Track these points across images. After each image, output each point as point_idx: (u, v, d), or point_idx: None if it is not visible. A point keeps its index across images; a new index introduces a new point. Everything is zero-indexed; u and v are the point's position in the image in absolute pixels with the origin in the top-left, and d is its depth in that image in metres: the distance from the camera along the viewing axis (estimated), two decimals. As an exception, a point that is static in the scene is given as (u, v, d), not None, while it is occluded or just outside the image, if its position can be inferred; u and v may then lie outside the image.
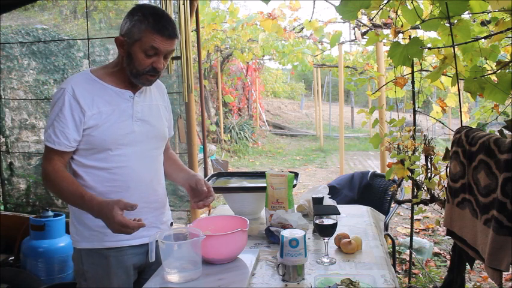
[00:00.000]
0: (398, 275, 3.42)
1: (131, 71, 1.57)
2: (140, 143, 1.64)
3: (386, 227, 2.80)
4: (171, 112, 1.88)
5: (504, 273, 1.42)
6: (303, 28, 5.26)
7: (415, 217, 4.30)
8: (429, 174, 2.39)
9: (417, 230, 4.57)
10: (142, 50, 1.53)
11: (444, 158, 1.93)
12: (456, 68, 1.82)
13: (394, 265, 2.97)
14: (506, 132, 1.52)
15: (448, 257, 3.82)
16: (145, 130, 1.65)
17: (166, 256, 1.47)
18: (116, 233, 1.44)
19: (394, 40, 2.06)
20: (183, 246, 1.50)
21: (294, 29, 5.31)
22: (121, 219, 1.40)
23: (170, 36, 1.54)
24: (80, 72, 1.66)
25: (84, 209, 1.51)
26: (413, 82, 2.78)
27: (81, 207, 1.52)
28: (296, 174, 2.12)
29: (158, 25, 1.51)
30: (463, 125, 1.77)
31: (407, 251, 3.53)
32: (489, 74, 1.70)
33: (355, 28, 4.04)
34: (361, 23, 3.69)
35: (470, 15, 2.01)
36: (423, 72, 2.83)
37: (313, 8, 4.72)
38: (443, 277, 3.38)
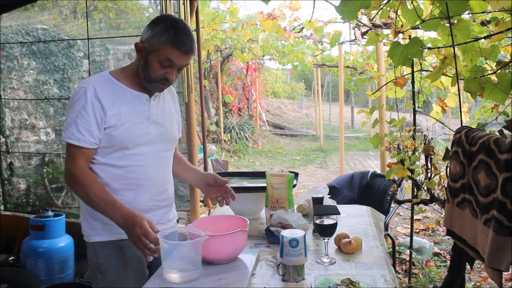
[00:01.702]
0: (398, 275, 3.42)
1: (145, 76, 1.62)
2: (154, 144, 1.70)
3: (386, 227, 2.80)
4: (180, 114, 1.93)
5: (504, 273, 1.42)
6: (303, 28, 5.26)
7: (415, 217, 4.30)
8: (429, 174, 2.39)
9: (417, 230, 4.57)
10: (158, 61, 1.57)
11: (444, 158, 1.93)
12: (456, 68, 1.82)
13: (394, 265, 2.97)
14: (506, 132, 1.51)
15: (448, 257, 3.82)
16: (159, 132, 1.71)
17: (167, 256, 1.47)
18: (134, 243, 1.46)
19: (394, 40, 2.06)
20: (183, 247, 1.50)
21: (294, 29, 5.31)
22: (147, 227, 1.43)
23: (187, 52, 1.59)
24: (100, 74, 1.71)
25: (110, 214, 1.53)
26: (413, 82, 2.78)
27: (106, 212, 1.54)
28: (296, 174, 2.12)
29: (177, 40, 1.56)
30: (463, 125, 1.77)
31: (407, 251, 3.53)
32: (489, 74, 1.70)
33: (355, 28, 4.04)
34: (361, 23, 3.69)
35: (470, 15, 2.01)
36: (423, 72, 2.83)
37: (313, 8, 4.72)
38: (443, 277, 3.38)
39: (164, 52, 1.56)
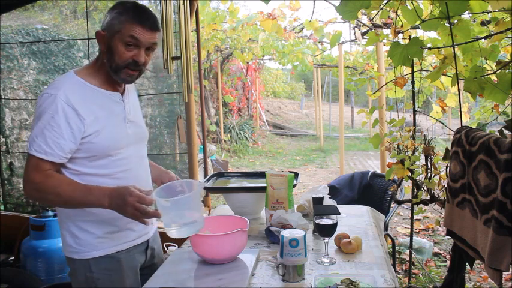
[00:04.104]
0: (398, 275, 3.42)
1: (111, 65, 1.52)
2: (133, 145, 1.64)
3: (386, 227, 2.80)
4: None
5: (504, 273, 1.42)
6: (303, 28, 5.27)
7: (415, 217, 4.30)
8: (429, 174, 2.39)
9: (417, 230, 4.57)
10: (123, 42, 1.49)
11: (444, 158, 1.92)
12: (456, 68, 1.82)
13: (394, 265, 2.97)
14: (506, 132, 1.51)
15: (448, 257, 3.82)
16: (136, 131, 1.66)
17: (167, 214, 1.43)
18: (130, 214, 1.38)
19: (394, 40, 2.06)
20: (184, 201, 1.46)
21: (294, 29, 5.32)
22: (138, 192, 1.37)
23: (151, 28, 1.51)
24: (66, 75, 1.56)
25: (92, 203, 1.44)
26: (413, 82, 2.78)
27: (86, 201, 1.44)
28: (296, 174, 2.12)
29: (139, 16, 1.49)
30: (463, 125, 1.77)
31: (407, 251, 3.53)
32: (489, 74, 1.70)
33: (355, 28, 4.04)
34: (361, 23, 3.69)
35: (470, 15, 2.01)
36: (423, 72, 2.83)
37: (313, 8, 4.74)
38: (443, 277, 3.38)
39: (126, 31, 1.47)
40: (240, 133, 10.79)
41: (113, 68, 1.52)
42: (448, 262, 3.39)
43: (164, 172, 1.80)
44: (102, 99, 1.55)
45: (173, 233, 1.46)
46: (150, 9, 1.58)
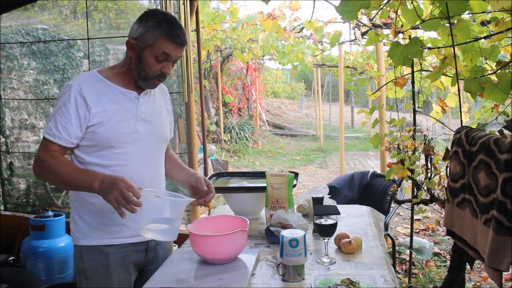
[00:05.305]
0: (398, 275, 3.42)
1: (139, 73, 1.61)
2: (143, 143, 1.67)
3: (386, 227, 2.80)
4: (173, 115, 1.91)
5: (504, 273, 1.42)
6: (303, 28, 5.27)
7: (415, 217, 4.30)
8: (429, 174, 2.39)
9: (417, 230, 4.57)
10: (154, 55, 1.58)
11: (444, 158, 1.92)
12: (456, 68, 1.82)
13: (394, 265, 2.97)
14: (506, 132, 1.51)
15: (448, 257, 3.82)
16: (149, 130, 1.69)
17: (148, 212, 1.45)
18: (111, 199, 1.41)
19: (394, 40, 2.06)
20: (171, 204, 1.50)
21: (294, 29, 5.32)
22: (130, 183, 1.42)
23: (182, 44, 1.60)
24: (88, 72, 1.70)
25: (84, 184, 1.48)
26: (413, 82, 2.78)
27: (80, 181, 1.50)
28: (296, 174, 2.12)
29: (172, 32, 1.57)
30: (463, 125, 1.77)
31: (407, 251, 3.53)
32: (489, 74, 1.70)
33: (355, 28, 4.03)
34: (361, 23, 3.69)
35: (470, 15, 2.01)
36: (423, 72, 2.83)
37: (313, 8, 4.73)
38: (443, 277, 3.38)
39: (159, 46, 1.56)
40: (240, 133, 10.80)
41: (142, 76, 1.62)
42: (448, 262, 3.39)
43: (193, 174, 1.79)
44: (116, 95, 1.63)
45: (148, 232, 1.47)
46: (178, 21, 1.67)
